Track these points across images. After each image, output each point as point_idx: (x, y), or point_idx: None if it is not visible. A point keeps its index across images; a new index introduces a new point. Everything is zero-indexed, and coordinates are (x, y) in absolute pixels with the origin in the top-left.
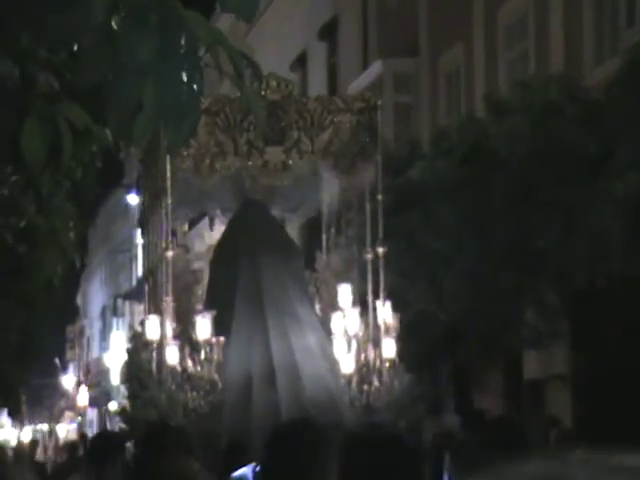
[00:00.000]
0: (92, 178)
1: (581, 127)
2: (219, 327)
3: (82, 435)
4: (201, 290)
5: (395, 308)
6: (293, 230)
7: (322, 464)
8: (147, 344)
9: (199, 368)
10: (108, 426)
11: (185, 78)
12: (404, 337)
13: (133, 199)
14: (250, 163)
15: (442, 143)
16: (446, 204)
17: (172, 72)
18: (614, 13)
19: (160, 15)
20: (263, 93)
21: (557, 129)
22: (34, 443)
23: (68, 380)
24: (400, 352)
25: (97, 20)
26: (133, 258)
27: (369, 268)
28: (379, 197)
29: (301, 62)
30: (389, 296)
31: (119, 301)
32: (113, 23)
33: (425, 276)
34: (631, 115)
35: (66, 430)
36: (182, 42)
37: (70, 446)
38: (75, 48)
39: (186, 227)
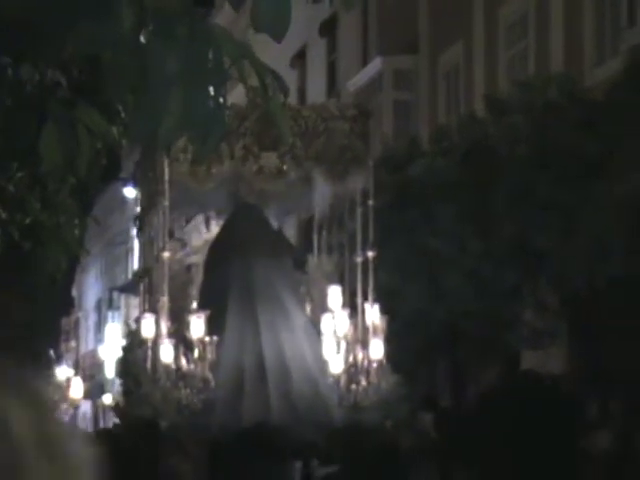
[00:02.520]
0: (96, 175)
1: (581, 128)
2: (212, 326)
3: None
4: (195, 290)
5: (391, 307)
6: (289, 233)
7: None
8: (142, 342)
9: (192, 366)
10: (101, 419)
11: (212, 92)
12: (400, 335)
13: (130, 192)
14: (246, 168)
15: (442, 141)
16: (445, 203)
17: (199, 85)
18: (615, 13)
19: (188, 29)
20: (258, 101)
21: (557, 129)
22: None
23: (62, 372)
24: (390, 352)
25: (125, 32)
26: (129, 251)
27: (359, 271)
28: (370, 202)
29: (301, 58)
30: (386, 296)
31: (114, 294)
32: (141, 36)
33: (424, 275)
34: (632, 116)
35: None
36: (209, 56)
37: None
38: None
39: (183, 221)
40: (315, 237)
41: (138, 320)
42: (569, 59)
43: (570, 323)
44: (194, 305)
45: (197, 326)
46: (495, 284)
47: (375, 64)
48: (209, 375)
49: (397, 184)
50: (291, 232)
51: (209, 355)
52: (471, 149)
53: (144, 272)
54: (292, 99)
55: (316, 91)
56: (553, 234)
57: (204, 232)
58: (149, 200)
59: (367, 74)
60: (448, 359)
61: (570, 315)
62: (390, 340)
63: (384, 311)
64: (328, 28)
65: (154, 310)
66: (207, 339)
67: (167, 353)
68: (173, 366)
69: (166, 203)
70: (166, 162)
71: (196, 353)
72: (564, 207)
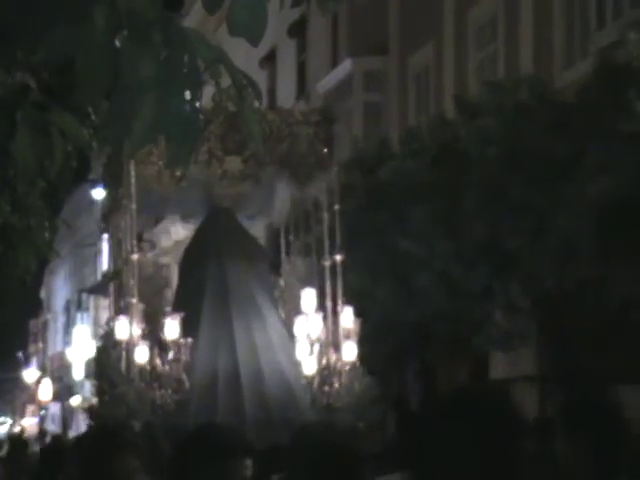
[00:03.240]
0: (67, 177)
1: (551, 129)
2: (187, 328)
3: (42, 431)
4: (170, 293)
5: (363, 309)
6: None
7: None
8: (116, 343)
9: (167, 367)
10: (70, 420)
11: (188, 96)
12: (372, 337)
13: (99, 194)
14: (210, 172)
15: (412, 143)
16: (416, 205)
17: (174, 90)
18: (584, 15)
19: (163, 33)
20: (223, 104)
21: (527, 131)
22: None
23: (30, 374)
24: (363, 354)
25: (97, 36)
26: (98, 252)
27: (327, 274)
28: (336, 207)
29: (270, 59)
30: (357, 298)
31: (83, 295)
32: (117, 41)
33: (394, 276)
34: (601, 117)
35: (28, 424)
36: (185, 60)
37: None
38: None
39: (152, 222)
40: (282, 241)
41: (109, 322)
42: (539, 61)
43: (540, 324)
44: (169, 307)
45: (172, 328)
46: (466, 285)
47: (345, 65)
48: (184, 376)
49: (367, 186)
50: (259, 235)
51: (184, 357)
52: (441, 151)
53: (114, 274)
54: (262, 100)
55: (286, 92)
56: (523, 235)
57: (173, 233)
58: (115, 202)
59: (337, 75)
60: (418, 360)
61: (540, 316)
62: (363, 342)
63: (356, 313)
64: (298, 29)
65: (126, 312)
66: (182, 341)
67: (142, 354)
68: (148, 367)
69: (133, 206)
70: (132, 165)
71: (171, 355)
72: (534, 208)
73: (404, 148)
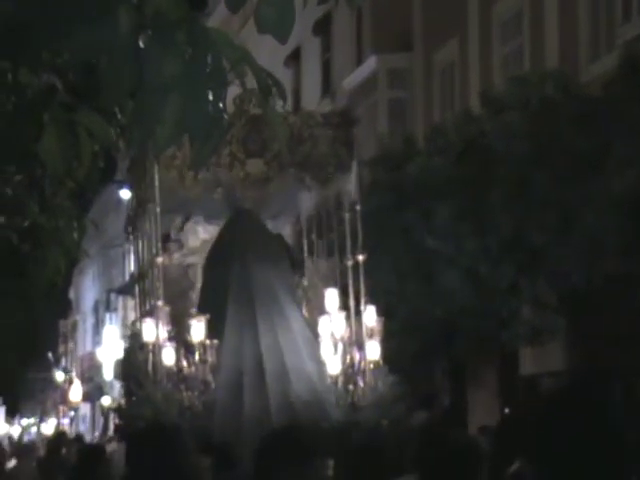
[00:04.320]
0: (94, 177)
1: (577, 123)
2: (212, 330)
3: (61, 433)
4: (195, 294)
5: (390, 307)
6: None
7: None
8: (143, 345)
9: (194, 369)
10: (101, 421)
11: (211, 96)
12: (398, 335)
13: (125, 194)
14: (232, 174)
15: (437, 140)
16: (442, 201)
17: (198, 90)
18: (610, 8)
19: (187, 33)
20: (245, 107)
21: (553, 126)
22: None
23: (61, 374)
24: (389, 352)
25: (122, 37)
26: (126, 253)
27: (349, 274)
28: (357, 207)
29: (295, 58)
30: (383, 296)
31: (112, 296)
32: (140, 41)
33: (421, 274)
34: (627, 111)
35: (57, 424)
36: (208, 60)
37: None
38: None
39: (179, 222)
40: (305, 241)
41: (134, 323)
42: (564, 55)
43: (568, 320)
44: (194, 309)
45: (197, 329)
46: (492, 282)
47: (370, 63)
48: (210, 377)
49: (393, 183)
50: (286, 235)
51: (210, 358)
52: (467, 146)
53: (139, 276)
54: (286, 99)
55: (311, 91)
56: (550, 231)
57: (200, 233)
58: (139, 205)
59: (362, 73)
60: (446, 358)
61: (568, 311)
62: (388, 340)
63: (382, 312)
64: (322, 27)
65: (150, 313)
66: (208, 342)
67: (168, 356)
68: (174, 369)
69: (157, 209)
70: (155, 168)
71: (197, 356)
72: (560, 203)
73: (429, 145)
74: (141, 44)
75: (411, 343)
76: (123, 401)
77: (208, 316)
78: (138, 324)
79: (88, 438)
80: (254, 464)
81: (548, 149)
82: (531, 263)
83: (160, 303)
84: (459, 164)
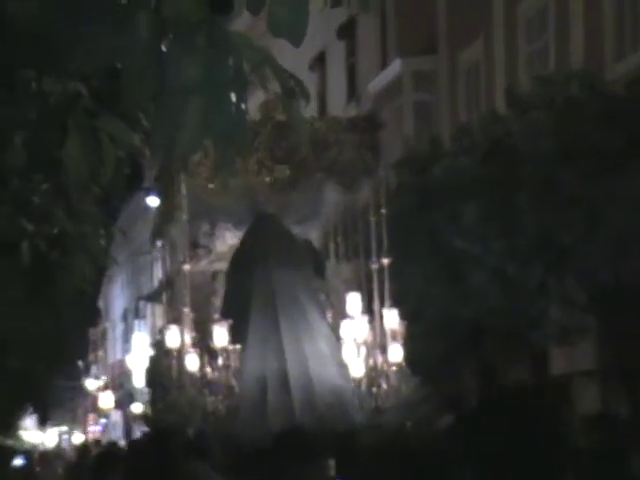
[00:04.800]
0: (120, 184)
1: (603, 122)
2: (235, 335)
3: (97, 441)
4: (218, 300)
5: (417, 308)
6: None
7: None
8: (168, 352)
9: (217, 374)
10: (132, 428)
11: (233, 98)
12: (426, 336)
13: (153, 201)
14: (259, 180)
15: (463, 140)
16: (469, 202)
17: (220, 92)
18: (635, 6)
19: (207, 36)
20: (271, 114)
21: (579, 124)
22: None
23: (91, 382)
24: (415, 354)
25: (144, 42)
26: (154, 260)
27: (375, 277)
28: (383, 211)
29: (320, 62)
30: (410, 298)
31: (141, 303)
32: (162, 45)
33: (448, 275)
34: None
35: (88, 433)
36: (230, 63)
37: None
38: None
39: (207, 227)
40: (331, 245)
41: (161, 330)
42: (589, 53)
43: (599, 318)
44: (217, 315)
45: (220, 335)
46: (521, 281)
47: (394, 66)
48: (233, 382)
49: (419, 185)
50: (314, 240)
51: (233, 363)
52: (493, 147)
53: (166, 283)
54: (312, 103)
55: (336, 95)
56: (577, 229)
57: (228, 238)
58: (167, 213)
59: (387, 76)
60: (474, 359)
61: (599, 310)
62: (415, 342)
63: (409, 314)
64: (346, 31)
65: (177, 320)
66: (230, 347)
67: (192, 362)
68: (198, 374)
69: (184, 217)
70: (182, 176)
71: (220, 361)
72: (587, 202)
73: (455, 145)
74: (162, 48)
75: (439, 345)
76: (149, 408)
77: (231, 321)
78: (164, 331)
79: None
80: (259, 465)
81: (574, 148)
82: (559, 262)
83: (186, 310)
84: (485, 164)
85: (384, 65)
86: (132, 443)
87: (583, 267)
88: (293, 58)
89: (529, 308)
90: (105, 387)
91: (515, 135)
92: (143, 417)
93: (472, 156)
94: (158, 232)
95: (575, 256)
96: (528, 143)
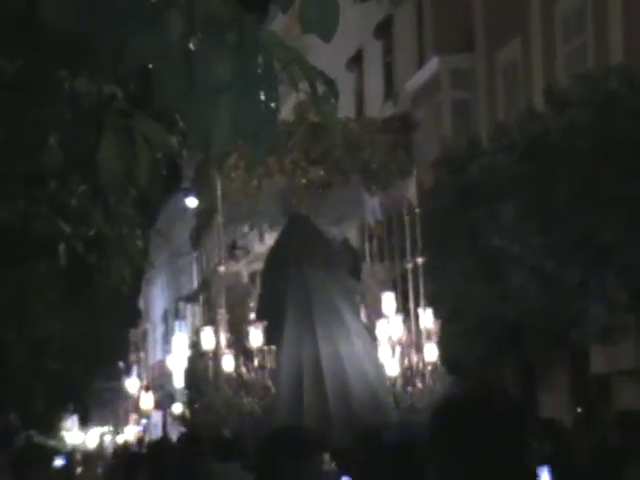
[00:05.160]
0: (157, 185)
1: None
2: (271, 336)
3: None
4: (253, 301)
5: (456, 307)
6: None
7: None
8: (204, 353)
9: (253, 375)
10: (172, 429)
11: (263, 97)
12: (465, 335)
13: (192, 202)
14: (294, 182)
15: (502, 139)
16: (507, 200)
17: (250, 91)
18: None
19: (237, 35)
20: (305, 116)
21: (618, 120)
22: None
23: (132, 383)
24: (453, 354)
25: (174, 40)
26: (193, 261)
27: (409, 277)
28: (417, 210)
29: (357, 61)
30: (450, 296)
31: (180, 304)
32: (190, 43)
33: (487, 274)
34: None
35: (129, 433)
36: (259, 61)
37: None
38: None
39: (245, 229)
40: (366, 246)
41: (198, 332)
42: (629, 50)
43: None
44: (252, 316)
45: (256, 336)
46: (561, 280)
47: (432, 64)
48: (269, 383)
49: (457, 184)
50: (352, 239)
51: (269, 364)
52: (531, 145)
53: (203, 285)
54: (350, 102)
55: (373, 94)
56: (618, 227)
57: (266, 239)
58: (204, 216)
59: (424, 75)
60: (514, 358)
61: (639, 309)
62: (453, 341)
63: (446, 313)
64: (383, 29)
65: (213, 322)
66: (266, 348)
67: (228, 363)
68: (234, 375)
69: (220, 219)
70: (218, 179)
71: (256, 362)
72: (628, 199)
73: (493, 144)
74: (192, 47)
75: (478, 344)
76: (187, 409)
77: (266, 322)
78: (200, 332)
79: None
80: (257, 462)
81: (613, 144)
82: (599, 260)
83: (222, 311)
84: (523, 162)
85: (421, 63)
86: (157, 443)
87: (623, 265)
88: (330, 58)
89: (569, 307)
90: (146, 388)
91: (553, 132)
92: (180, 418)
93: (510, 154)
94: (196, 235)
95: (615, 254)
96: (567, 140)
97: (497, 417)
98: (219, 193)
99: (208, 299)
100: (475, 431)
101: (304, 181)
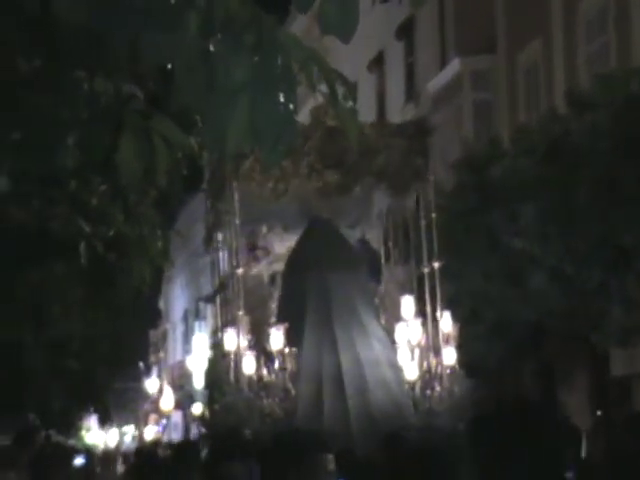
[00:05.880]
0: (177, 185)
1: None
2: (291, 338)
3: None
4: (274, 303)
5: (475, 309)
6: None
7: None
8: (225, 354)
9: (274, 377)
10: (192, 429)
11: (282, 98)
12: (485, 338)
13: None
14: (310, 185)
15: (523, 140)
16: (528, 202)
17: (268, 92)
18: None
19: (256, 36)
20: (322, 119)
21: (639, 122)
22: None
23: (152, 384)
24: (470, 356)
25: (193, 41)
26: (213, 261)
27: (426, 281)
28: (433, 215)
29: (378, 62)
30: (470, 298)
31: (200, 304)
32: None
33: (507, 275)
34: None
35: (148, 433)
36: (278, 62)
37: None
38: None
39: (265, 229)
40: (382, 249)
41: (215, 332)
42: None
43: None
44: (273, 318)
45: (276, 338)
46: (580, 282)
47: (453, 65)
48: (290, 385)
49: (478, 185)
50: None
51: (289, 366)
52: (552, 146)
53: (220, 287)
54: (371, 103)
55: (395, 94)
56: (637, 229)
57: (287, 240)
58: (218, 218)
59: (445, 76)
60: (534, 360)
61: None
62: (474, 344)
63: (466, 315)
64: (405, 31)
65: (231, 323)
66: (287, 350)
67: (249, 364)
68: (255, 377)
69: (237, 221)
70: (235, 181)
71: (276, 364)
72: None
73: (515, 145)
74: (211, 47)
75: (498, 346)
76: (207, 410)
77: (287, 325)
78: (219, 333)
79: None
80: (259, 466)
81: (634, 146)
82: (619, 262)
83: (240, 313)
84: (544, 164)
85: (443, 65)
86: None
87: None
88: (351, 60)
89: (589, 309)
90: (164, 389)
91: (574, 134)
92: (200, 418)
93: (531, 156)
94: (208, 237)
95: (635, 256)
96: (588, 142)
97: (538, 431)
98: (235, 195)
99: (224, 300)
100: (517, 442)
101: (320, 184)
